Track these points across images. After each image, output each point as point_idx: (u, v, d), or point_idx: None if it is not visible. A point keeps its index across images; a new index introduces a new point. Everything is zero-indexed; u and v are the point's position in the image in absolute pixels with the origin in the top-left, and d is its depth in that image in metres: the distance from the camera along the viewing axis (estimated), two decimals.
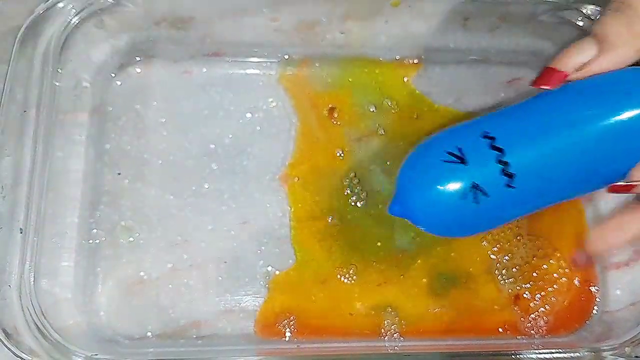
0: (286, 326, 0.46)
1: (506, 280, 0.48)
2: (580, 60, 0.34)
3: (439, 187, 0.32)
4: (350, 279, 0.47)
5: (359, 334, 0.46)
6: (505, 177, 0.31)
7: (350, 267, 0.47)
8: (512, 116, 0.33)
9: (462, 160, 0.31)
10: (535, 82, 0.35)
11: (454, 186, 0.31)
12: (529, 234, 0.49)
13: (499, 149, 0.31)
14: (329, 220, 0.48)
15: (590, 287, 0.48)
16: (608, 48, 0.34)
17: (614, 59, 0.34)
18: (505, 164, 0.31)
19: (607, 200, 0.49)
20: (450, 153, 0.32)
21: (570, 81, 0.34)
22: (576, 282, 0.48)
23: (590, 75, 0.34)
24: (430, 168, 0.32)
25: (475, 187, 0.31)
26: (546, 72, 0.34)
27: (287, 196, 0.49)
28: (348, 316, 0.46)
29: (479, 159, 0.31)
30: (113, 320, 0.45)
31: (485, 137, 0.32)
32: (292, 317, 0.46)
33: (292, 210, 0.49)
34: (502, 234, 0.49)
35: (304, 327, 0.46)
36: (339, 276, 0.47)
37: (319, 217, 0.48)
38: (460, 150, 0.32)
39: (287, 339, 0.45)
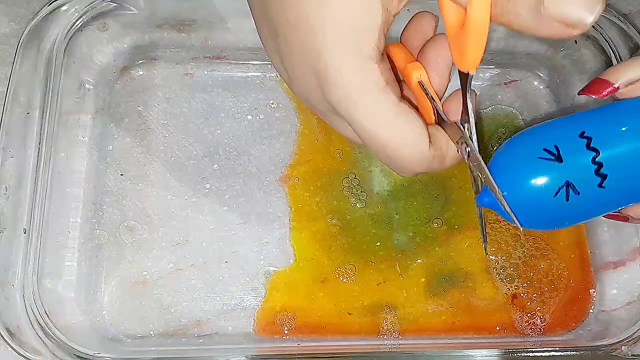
0: (286, 325, 0.46)
1: (504, 280, 0.48)
2: (630, 77, 0.33)
3: (532, 182, 0.32)
4: (349, 278, 0.47)
5: (358, 332, 0.46)
6: (598, 178, 0.31)
7: (350, 267, 0.48)
8: (608, 117, 0.33)
9: (558, 158, 0.32)
10: (582, 90, 0.35)
11: (547, 183, 0.31)
12: (527, 234, 0.49)
13: (595, 150, 0.31)
14: (329, 221, 0.49)
15: (587, 287, 0.48)
16: None
17: None
18: (600, 165, 0.31)
19: None
20: (546, 150, 0.32)
21: (619, 96, 0.34)
22: (572, 281, 0.48)
23: None
24: (525, 163, 0.32)
25: (568, 185, 0.31)
26: (596, 82, 0.34)
27: (287, 197, 0.49)
28: (347, 315, 0.47)
29: (575, 158, 0.32)
30: (116, 319, 0.46)
31: (582, 136, 0.32)
32: (292, 316, 0.46)
33: (292, 210, 0.49)
34: (501, 235, 0.49)
35: (304, 326, 0.46)
36: (338, 276, 0.47)
37: (318, 217, 0.49)
38: (557, 147, 0.32)
39: (287, 337, 0.46)
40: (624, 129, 0.32)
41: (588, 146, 0.31)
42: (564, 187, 0.31)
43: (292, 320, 0.46)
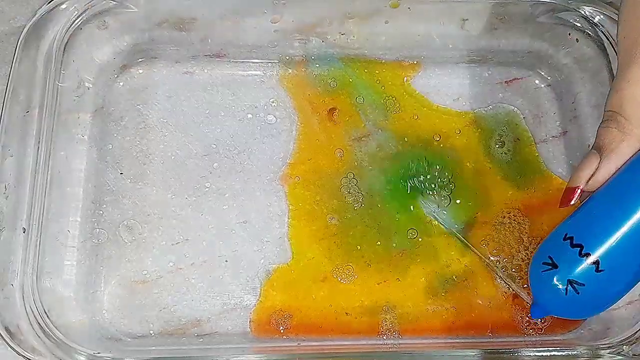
0: (285, 325, 0.46)
1: (503, 278, 0.48)
2: (588, 173, 0.38)
3: (550, 290, 0.38)
4: (348, 278, 0.47)
5: (358, 332, 0.46)
6: (593, 265, 0.37)
7: (349, 267, 0.48)
8: (583, 213, 0.39)
9: (554, 265, 0.38)
10: (560, 204, 0.40)
11: (557, 286, 0.38)
12: (530, 237, 0.49)
13: (579, 245, 0.37)
14: (329, 220, 0.49)
15: None
16: (607, 154, 0.38)
17: (615, 161, 0.38)
18: (588, 254, 0.37)
19: None
20: (545, 263, 0.38)
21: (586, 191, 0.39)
22: None
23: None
24: (540, 278, 0.39)
25: (570, 282, 0.37)
26: (566, 192, 0.40)
27: (287, 196, 0.49)
28: (346, 315, 0.46)
29: (565, 259, 0.38)
30: (115, 318, 0.46)
31: (565, 238, 0.38)
32: (291, 316, 0.46)
33: (292, 209, 0.49)
34: (503, 236, 0.49)
35: (303, 325, 0.46)
36: (337, 275, 0.47)
37: (318, 216, 0.49)
38: (550, 257, 0.38)
39: (286, 337, 0.46)
40: (596, 217, 0.38)
41: (572, 244, 0.37)
42: (569, 285, 0.37)
43: (291, 320, 0.46)
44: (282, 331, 0.46)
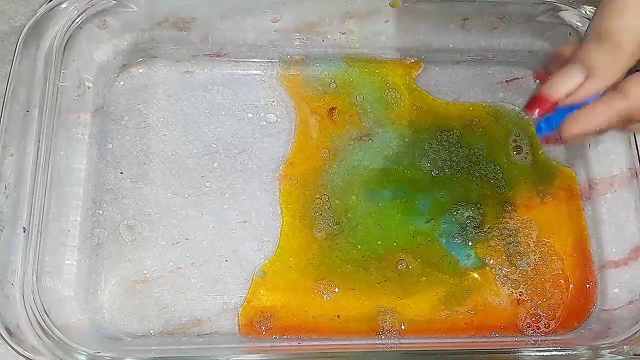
0: (286, 324, 0.46)
1: (506, 284, 0.48)
2: (570, 87, 0.36)
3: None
4: (349, 277, 0.47)
5: (358, 332, 0.46)
6: None
7: (350, 266, 0.48)
8: None
9: None
10: (526, 107, 0.37)
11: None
12: (537, 241, 0.49)
13: None
14: (328, 219, 0.48)
15: (589, 286, 0.48)
16: (595, 74, 0.35)
17: (601, 84, 0.36)
18: None
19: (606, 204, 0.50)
20: None
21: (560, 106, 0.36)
22: (574, 280, 0.48)
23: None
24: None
25: None
26: (538, 100, 0.37)
27: (287, 195, 0.49)
28: (347, 314, 0.46)
29: None
30: (116, 318, 0.46)
31: None
32: (292, 316, 0.46)
33: (292, 208, 0.49)
34: (509, 240, 0.49)
35: (304, 325, 0.46)
36: (338, 274, 0.47)
37: (318, 215, 0.49)
38: None
39: (287, 336, 0.46)
40: None
41: None
42: None
43: (292, 320, 0.46)
44: (281, 330, 0.46)
